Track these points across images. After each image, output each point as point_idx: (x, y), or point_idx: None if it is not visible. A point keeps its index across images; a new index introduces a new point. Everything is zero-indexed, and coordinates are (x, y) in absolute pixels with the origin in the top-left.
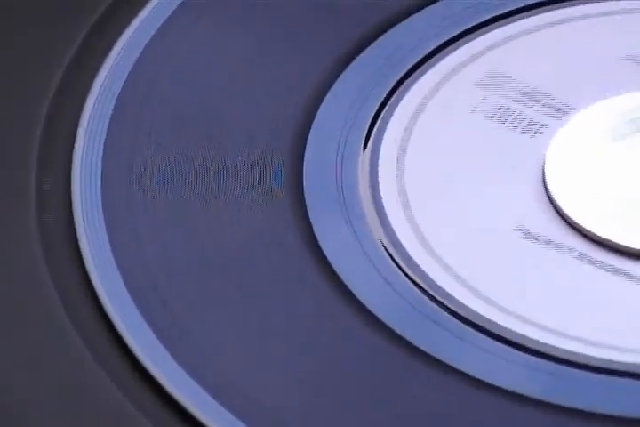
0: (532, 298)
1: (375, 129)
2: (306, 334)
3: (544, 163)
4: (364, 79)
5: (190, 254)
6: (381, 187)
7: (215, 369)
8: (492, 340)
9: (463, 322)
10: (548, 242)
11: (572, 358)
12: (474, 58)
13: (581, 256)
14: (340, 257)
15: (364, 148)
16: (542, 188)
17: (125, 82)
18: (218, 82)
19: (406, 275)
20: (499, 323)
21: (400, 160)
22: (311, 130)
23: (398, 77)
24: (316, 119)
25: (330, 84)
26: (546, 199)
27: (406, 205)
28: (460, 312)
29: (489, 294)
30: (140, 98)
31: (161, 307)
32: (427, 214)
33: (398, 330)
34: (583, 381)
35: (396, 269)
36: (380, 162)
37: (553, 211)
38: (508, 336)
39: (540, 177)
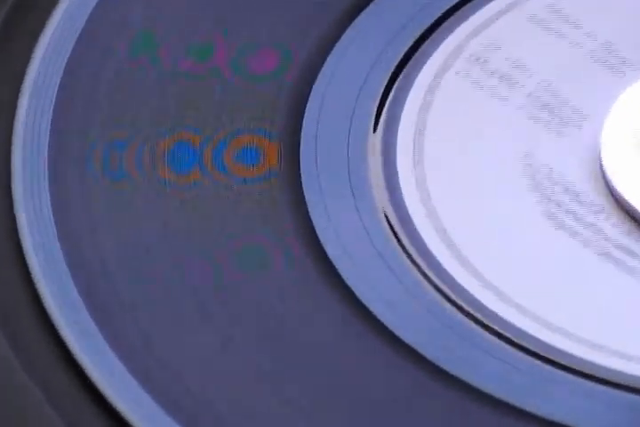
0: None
1: (389, 101)
2: (302, 347)
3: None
4: (374, 37)
5: (164, 248)
6: (400, 175)
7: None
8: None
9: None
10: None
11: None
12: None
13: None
14: (345, 257)
15: (376, 124)
16: (597, 161)
17: (74, 48)
18: (189, 44)
19: (429, 279)
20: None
21: (418, 139)
22: (309, 102)
23: (420, 33)
24: (314, 86)
25: (332, 43)
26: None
27: (427, 199)
28: (499, 329)
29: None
30: (94, 64)
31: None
32: (452, 207)
33: (418, 347)
34: None
35: (418, 273)
36: (398, 143)
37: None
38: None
39: (595, 149)
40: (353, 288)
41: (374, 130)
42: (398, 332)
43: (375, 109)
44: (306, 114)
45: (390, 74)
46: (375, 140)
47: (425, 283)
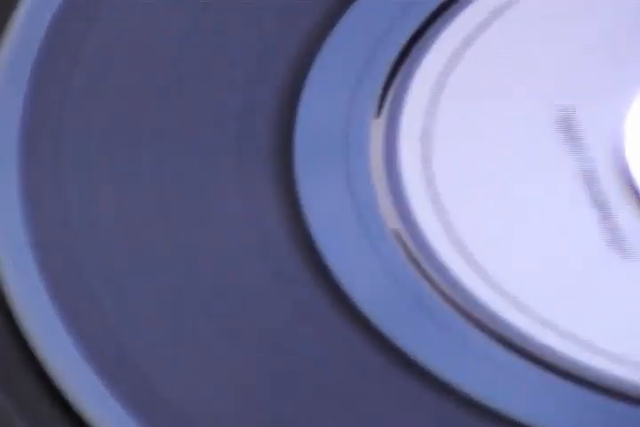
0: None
1: (395, 84)
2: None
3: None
4: (377, 15)
5: (144, 249)
6: (404, 170)
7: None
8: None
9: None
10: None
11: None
12: None
13: None
14: (343, 261)
15: (379, 110)
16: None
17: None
18: (180, 26)
19: (435, 285)
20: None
21: (428, 128)
22: (305, 87)
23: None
24: (311, 71)
25: (331, 23)
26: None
27: (436, 197)
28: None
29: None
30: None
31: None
32: (465, 207)
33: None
34: None
35: (422, 277)
36: (402, 131)
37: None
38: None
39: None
40: (348, 292)
41: (378, 114)
42: (390, 334)
43: (380, 92)
44: (303, 98)
45: (397, 54)
46: (378, 126)
47: (425, 280)
